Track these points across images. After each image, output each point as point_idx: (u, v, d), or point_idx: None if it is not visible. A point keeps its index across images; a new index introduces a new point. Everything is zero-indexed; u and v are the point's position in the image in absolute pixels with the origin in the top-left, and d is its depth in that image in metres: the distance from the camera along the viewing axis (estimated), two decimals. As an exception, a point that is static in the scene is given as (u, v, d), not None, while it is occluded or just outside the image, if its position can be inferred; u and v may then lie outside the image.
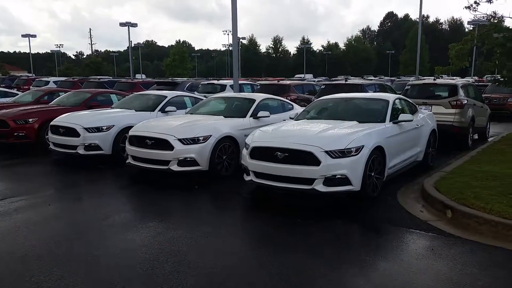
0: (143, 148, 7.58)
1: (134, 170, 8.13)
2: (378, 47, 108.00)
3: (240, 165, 6.94)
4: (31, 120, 10.58)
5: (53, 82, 23.61)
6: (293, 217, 5.56)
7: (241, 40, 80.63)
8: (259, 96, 9.25)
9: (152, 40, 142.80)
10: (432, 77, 21.72)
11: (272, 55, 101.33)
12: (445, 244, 4.65)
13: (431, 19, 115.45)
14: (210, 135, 7.45)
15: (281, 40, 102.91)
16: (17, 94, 15.40)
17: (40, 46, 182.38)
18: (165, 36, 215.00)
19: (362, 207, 6.00)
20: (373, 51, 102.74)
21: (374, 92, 12.58)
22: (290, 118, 8.01)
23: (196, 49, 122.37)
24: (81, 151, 8.82)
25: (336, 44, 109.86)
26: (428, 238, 4.87)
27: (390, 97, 7.85)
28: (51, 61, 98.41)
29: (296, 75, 65.83)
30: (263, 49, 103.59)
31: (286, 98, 11.75)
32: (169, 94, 10.72)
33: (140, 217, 5.78)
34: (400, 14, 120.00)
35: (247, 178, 6.45)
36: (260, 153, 6.21)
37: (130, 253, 4.41)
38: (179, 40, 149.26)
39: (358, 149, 5.78)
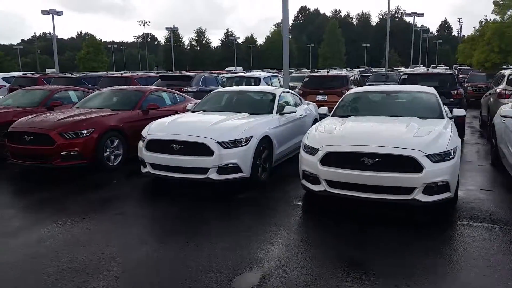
0: (356, 170, 5.08)
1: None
2: (295, 41, 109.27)
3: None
4: (85, 132, 7.33)
5: (1, 78, 18.52)
6: None
7: (173, 31, 75.43)
8: (432, 90, 7.18)
9: (49, 33, 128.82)
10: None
11: (196, 48, 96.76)
12: None
13: (342, 14, 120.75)
14: (456, 147, 5.28)
15: (204, 32, 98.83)
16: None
17: None
18: (62, 28, 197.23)
19: None
20: (294, 44, 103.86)
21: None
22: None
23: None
24: (213, 175, 6.00)
25: (253, 37, 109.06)
26: None
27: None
28: None
29: (227, 68, 64.20)
30: (186, 41, 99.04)
31: (344, 91, 9.92)
32: (276, 90, 8.12)
33: None
34: (312, 8, 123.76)
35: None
36: None
37: None
38: (81, 32, 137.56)
39: None
